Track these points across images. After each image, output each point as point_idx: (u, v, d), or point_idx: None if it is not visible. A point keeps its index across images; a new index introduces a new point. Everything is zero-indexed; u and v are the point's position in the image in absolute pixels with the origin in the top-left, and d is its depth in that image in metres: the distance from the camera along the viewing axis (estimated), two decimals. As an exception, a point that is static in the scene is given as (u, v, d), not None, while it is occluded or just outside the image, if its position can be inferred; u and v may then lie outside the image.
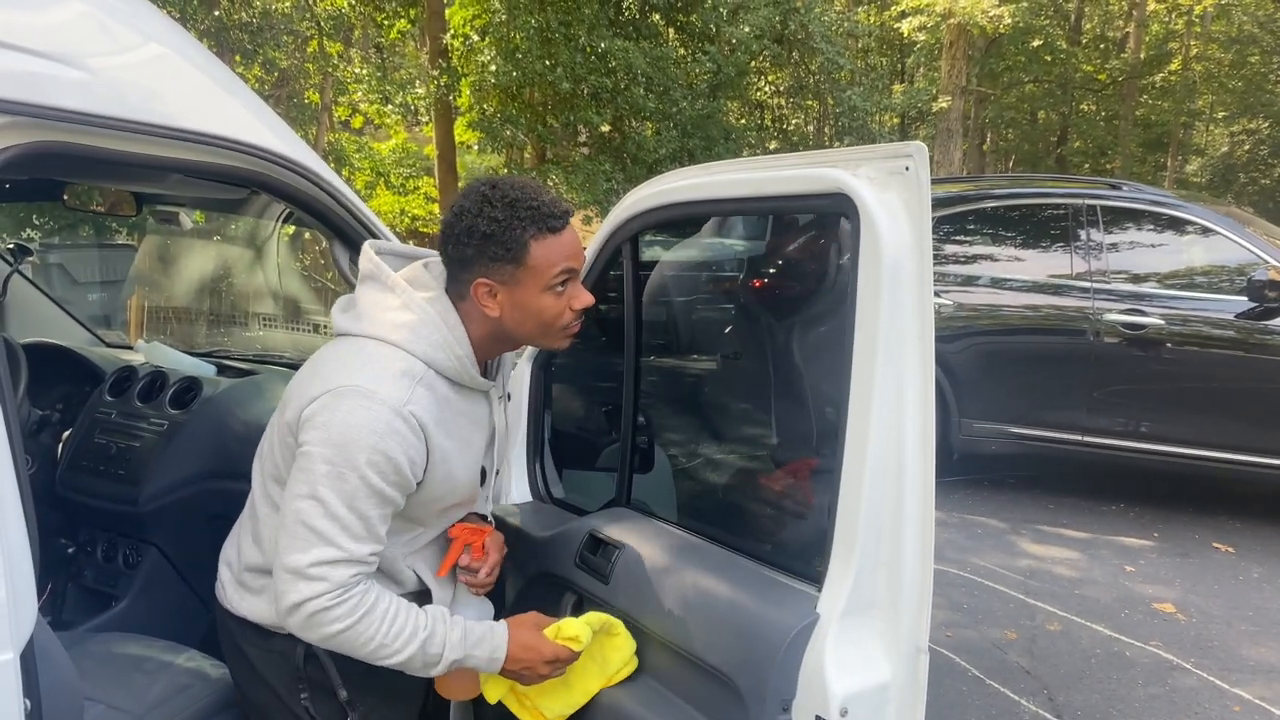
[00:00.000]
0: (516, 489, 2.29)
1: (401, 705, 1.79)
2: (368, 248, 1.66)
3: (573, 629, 1.70)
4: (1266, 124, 22.13)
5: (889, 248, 1.32)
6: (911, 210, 1.33)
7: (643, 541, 1.85)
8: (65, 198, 2.96)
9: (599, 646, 1.77)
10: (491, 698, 1.77)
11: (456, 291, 1.61)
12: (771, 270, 2.71)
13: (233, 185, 2.03)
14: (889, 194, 1.35)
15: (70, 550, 2.93)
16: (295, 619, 1.49)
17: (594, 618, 1.76)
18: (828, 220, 2.02)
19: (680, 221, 2.15)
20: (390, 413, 1.47)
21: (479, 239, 1.53)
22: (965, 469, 6.03)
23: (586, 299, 1.63)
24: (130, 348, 3.62)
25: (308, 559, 1.46)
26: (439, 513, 1.72)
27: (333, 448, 1.45)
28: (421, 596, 1.73)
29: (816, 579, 1.44)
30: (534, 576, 2.08)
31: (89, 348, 3.47)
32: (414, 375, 1.53)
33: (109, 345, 3.74)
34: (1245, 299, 5.15)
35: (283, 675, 1.66)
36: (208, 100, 1.81)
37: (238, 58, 15.12)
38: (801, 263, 2.33)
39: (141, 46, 1.75)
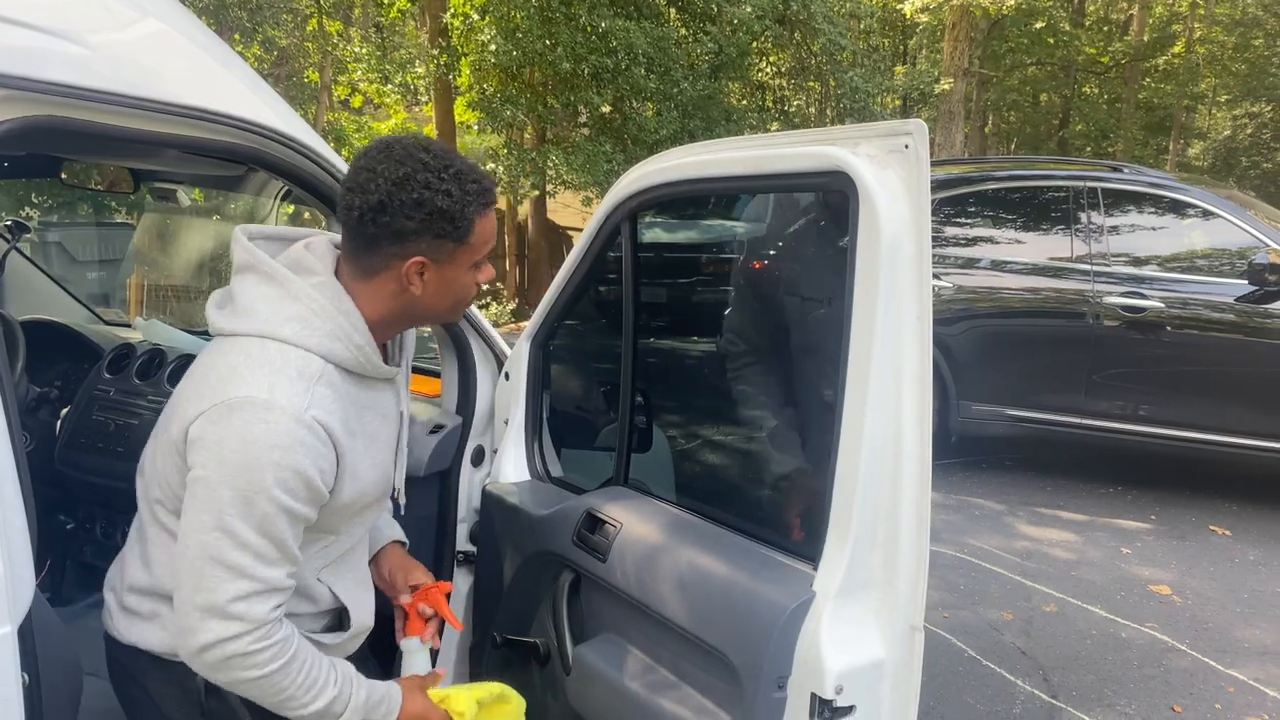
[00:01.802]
0: (514, 468, 2.30)
1: None
2: (239, 233, 1.50)
3: (460, 703, 1.63)
4: (1269, 108, 22.06)
5: (888, 227, 1.32)
6: (911, 189, 1.33)
7: (640, 520, 1.86)
8: (63, 175, 2.96)
9: (488, 715, 1.69)
10: None
11: (364, 267, 1.45)
12: (771, 252, 2.70)
13: (230, 162, 2.02)
14: (888, 173, 1.35)
15: (69, 527, 2.93)
16: (208, 658, 1.35)
17: (482, 690, 1.68)
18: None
19: (679, 200, 2.14)
20: (292, 422, 1.33)
21: (427, 213, 1.39)
22: (963, 451, 6.04)
23: (492, 272, 1.56)
24: (128, 325, 3.62)
25: (223, 596, 1.33)
26: (350, 517, 1.57)
27: (233, 470, 1.31)
28: (338, 615, 1.63)
29: (813, 557, 1.45)
30: (532, 555, 2.09)
31: (87, 325, 3.47)
32: (311, 374, 1.38)
33: (107, 323, 3.74)
34: (1245, 282, 5.15)
35: (184, 708, 1.51)
36: (205, 76, 1.81)
37: (237, 36, 15.05)
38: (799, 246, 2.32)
39: (140, 22, 1.75)
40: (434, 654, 1.84)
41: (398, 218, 1.39)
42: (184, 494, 1.38)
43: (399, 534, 1.87)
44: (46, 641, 1.44)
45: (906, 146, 1.33)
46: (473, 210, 1.43)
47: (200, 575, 1.33)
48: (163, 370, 2.86)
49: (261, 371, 1.35)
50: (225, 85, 1.84)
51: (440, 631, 1.80)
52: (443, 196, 1.39)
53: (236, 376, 1.36)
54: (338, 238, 1.53)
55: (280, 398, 1.33)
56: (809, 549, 1.47)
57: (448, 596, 1.80)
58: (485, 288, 13.51)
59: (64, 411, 3.00)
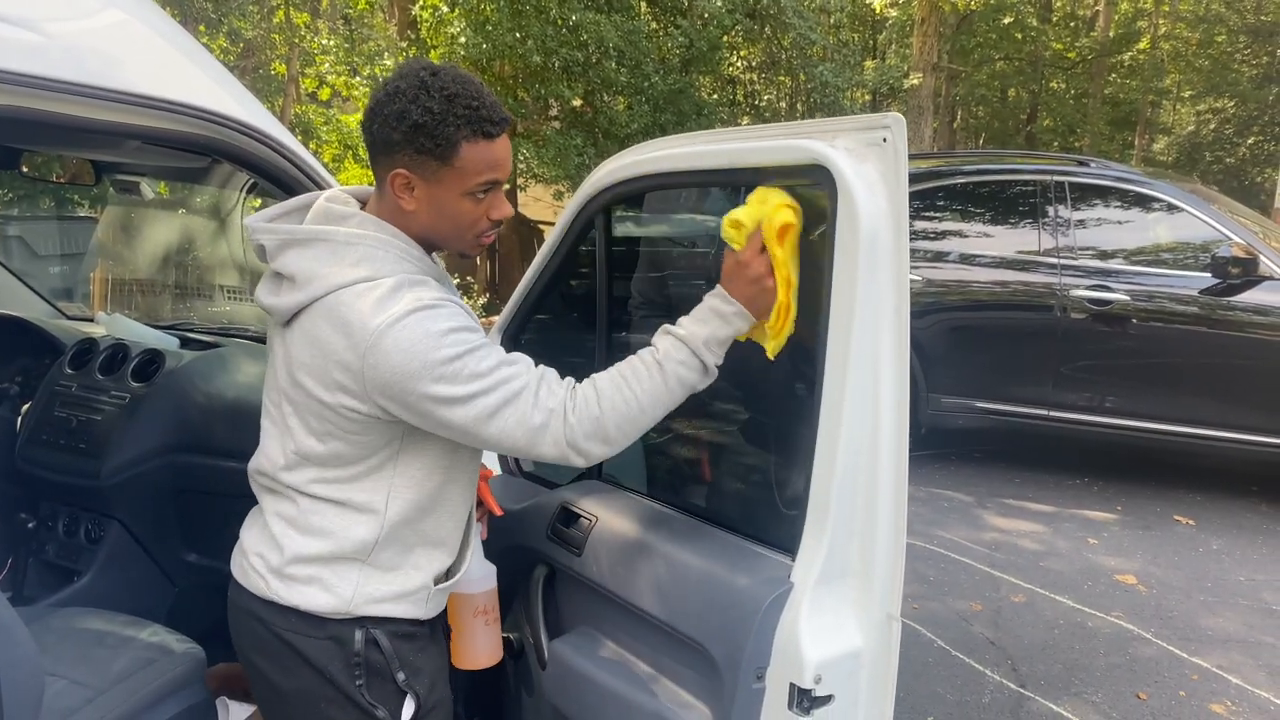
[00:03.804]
0: (487, 461, 2.28)
1: (451, 687, 1.74)
2: (254, 223, 1.57)
3: (745, 215, 1.53)
4: (1232, 103, 22.40)
5: (866, 220, 1.32)
6: (889, 182, 1.33)
7: (615, 513, 1.85)
8: (23, 167, 2.90)
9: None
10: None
11: (377, 182, 1.55)
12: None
13: (193, 152, 1.99)
14: (866, 165, 1.34)
15: (31, 525, 2.89)
16: (575, 455, 1.50)
17: (741, 212, 1.55)
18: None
19: (654, 194, 2.13)
20: (418, 313, 1.41)
21: (408, 127, 1.44)
22: (933, 443, 6.09)
23: (506, 210, 1.56)
24: (91, 320, 3.56)
25: (531, 416, 1.45)
26: None
27: (423, 373, 1.40)
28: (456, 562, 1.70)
29: (790, 548, 1.45)
30: (505, 549, 2.07)
31: (49, 320, 3.41)
32: (404, 285, 1.46)
33: (70, 318, 3.68)
34: (1209, 275, 5.22)
35: (338, 662, 1.58)
36: (167, 66, 1.78)
37: (202, 27, 14.86)
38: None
39: (100, 12, 1.72)
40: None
41: (385, 127, 1.46)
42: (369, 449, 1.51)
43: None
44: (6, 641, 1.41)
45: (885, 140, 1.32)
46: (455, 131, 1.44)
47: (507, 427, 1.45)
48: (126, 365, 2.81)
49: (369, 307, 1.43)
50: (188, 76, 1.81)
51: (485, 519, 1.90)
52: (421, 111, 1.43)
53: (356, 323, 1.42)
54: (352, 188, 1.63)
55: (399, 309, 1.41)
56: (786, 539, 1.47)
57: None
58: (455, 281, 13.42)
59: (25, 408, 2.95)
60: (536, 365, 1.55)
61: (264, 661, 1.64)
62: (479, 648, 1.82)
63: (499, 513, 1.87)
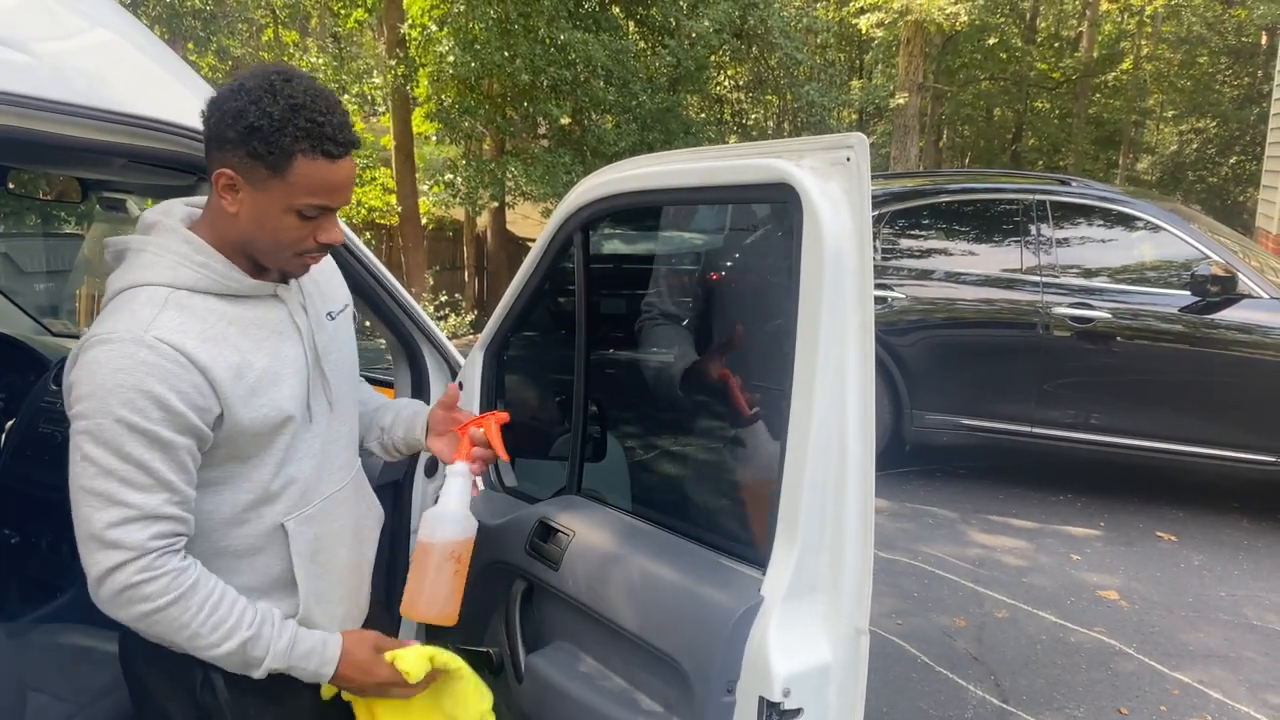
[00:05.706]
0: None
1: None
2: (104, 245, 1.53)
3: (407, 662, 1.55)
4: (1214, 123, 22.60)
5: (830, 237, 1.35)
6: (852, 200, 1.36)
7: (593, 528, 1.87)
8: (10, 184, 2.92)
9: (438, 693, 1.65)
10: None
11: (211, 182, 1.43)
12: (728, 263, 2.72)
13: (179, 171, 2.01)
14: (831, 184, 1.37)
15: (14, 541, 2.89)
16: (103, 593, 1.35)
17: (436, 653, 1.61)
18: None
19: (630, 211, 2.16)
20: (131, 345, 1.32)
21: (244, 128, 1.34)
22: (917, 460, 6.12)
23: (337, 235, 1.47)
24: (77, 337, 3.57)
25: (99, 523, 1.32)
26: (271, 437, 1.48)
27: (85, 403, 1.31)
28: (285, 591, 1.55)
29: (761, 562, 1.47)
30: (485, 564, 2.08)
31: (34, 337, 3.42)
32: (156, 301, 1.37)
33: (55, 334, 3.69)
34: (1189, 293, 5.27)
35: (180, 701, 1.52)
36: (154, 86, 1.80)
37: (190, 45, 14.89)
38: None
39: (87, 31, 1.74)
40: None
41: (220, 123, 1.37)
42: None
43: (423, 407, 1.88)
44: (-12, 656, 1.42)
45: (848, 159, 1.36)
46: (291, 142, 1.34)
47: (78, 507, 1.34)
48: (111, 382, 2.82)
49: (109, 316, 1.38)
50: (174, 95, 1.83)
51: (487, 468, 1.81)
52: (260, 114, 1.34)
53: (92, 329, 1.38)
54: (198, 199, 1.56)
55: (121, 328, 1.34)
56: (757, 554, 1.49)
57: (505, 427, 1.77)
58: (443, 298, 13.34)
59: (9, 424, 2.95)
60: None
61: (127, 680, 1.60)
62: (422, 592, 1.64)
63: (505, 458, 1.78)
